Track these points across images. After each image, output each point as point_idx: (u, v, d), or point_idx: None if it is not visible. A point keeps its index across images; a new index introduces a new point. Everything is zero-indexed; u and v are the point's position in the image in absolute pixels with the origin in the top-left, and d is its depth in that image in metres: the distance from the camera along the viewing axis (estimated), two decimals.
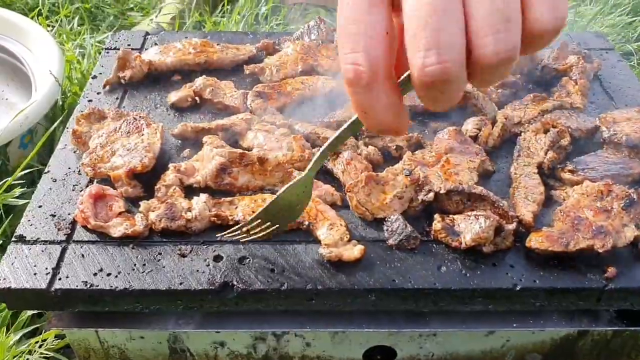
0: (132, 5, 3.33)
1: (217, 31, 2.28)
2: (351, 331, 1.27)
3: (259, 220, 1.18)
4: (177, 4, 3.07)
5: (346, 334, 1.28)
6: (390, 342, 1.31)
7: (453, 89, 0.64)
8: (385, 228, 1.27)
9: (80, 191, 1.34)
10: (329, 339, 1.29)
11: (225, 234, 1.22)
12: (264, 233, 1.19)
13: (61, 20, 2.96)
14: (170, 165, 1.35)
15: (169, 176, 1.32)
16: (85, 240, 1.25)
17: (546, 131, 1.42)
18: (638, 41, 3.01)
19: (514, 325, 1.25)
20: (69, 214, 1.31)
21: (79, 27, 3.00)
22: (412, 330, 1.28)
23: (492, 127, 1.45)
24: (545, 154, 1.37)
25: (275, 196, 1.15)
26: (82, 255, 1.22)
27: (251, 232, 1.19)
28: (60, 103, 2.33)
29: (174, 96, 1.61)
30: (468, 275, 1.19)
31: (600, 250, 1.18)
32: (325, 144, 0.97)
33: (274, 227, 1.18)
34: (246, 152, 1.35)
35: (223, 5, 3.04)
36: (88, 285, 1.16)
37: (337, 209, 1.32)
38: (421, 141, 1.46)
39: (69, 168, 1.43)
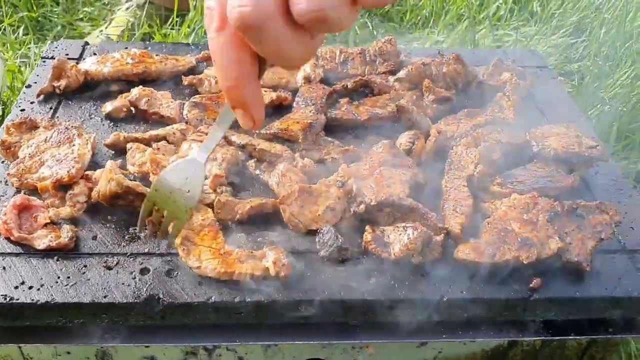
0: (81, 16, 3.27)
1: (159, 42, 2.26)
2: (283, 344, 1.26)
3: (155, 211, 1.17)
4: (128, 16, 3.04)
5: (279, 347, 1.27)
6: (324, 355, 1.31)
7: (265, 33, 0.66)
8: (317, 240, 1.27)
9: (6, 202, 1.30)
10: (261, 353, 1.28)
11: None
12: (166, 228, 1.18)
13: (4, 29, 2.89)
14: None
15: (79, 185, 1.29)
16: (8, 252, 1.22)
17: (477, 145, 1.45)
18: (579, 61, 3.12)
19: (444, 336, 1.26)
20: None
21: (24, 37, 2.94)
22: (344, 342, 1.27)
23: (425, 141, 1.47)
24: (475, 167, 1.39)
25: (157, 177, 1.14)
26: (3, 268, 1.18)
27: (151, 227, 1.20)
28: (0, 113, 2.27)
29: (109, 106, 1.59)
30: (397, 286, 1.20)
31: (525, 262, 1.21)
32: (215, 126, 0.97)
33: (171, 221, 1.16)
34: (140, 187, 1.28)
35: (173, 19, 3.02)
36: (7, 299, 1.13)
37: (272, 221, 1.32)
38: (357, 154, 1.47)
39: None
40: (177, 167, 1.12)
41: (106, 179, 1.25)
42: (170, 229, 1.18)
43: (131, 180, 1.30)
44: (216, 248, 1.21)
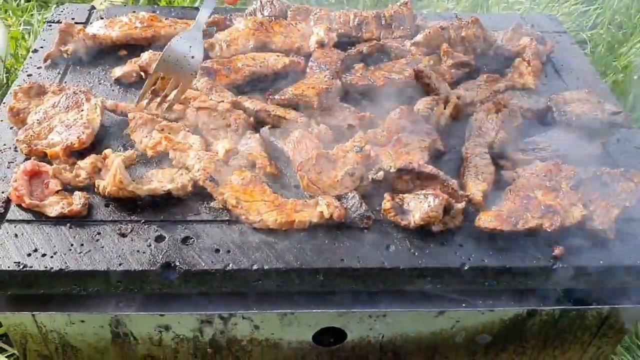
0: None
1: (167, 6, 2.20)
2: (300, 312, 1.24)
3: (161, 77, 1.35)
4: None
5: (295, 315, 1.25)
6: (339, 324, 1.29)
7: None
8: None
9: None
10: (277, 321, 1.26)
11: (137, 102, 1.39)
12: (173, 94, 1.35)
13: None
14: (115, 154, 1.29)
15: (87, 162, 1.26)
16: (20, 219, 1.19)
17: (498, 111, 1.41)
18: (592, 29, 3.05)
19: (463, 305, 1.24)
20: (2, 192, 1.24)
21: (26, 3, 2.87)
22: (361, 311, 1.26)
23: (445, 107, 1.43)
24: (496, 133, 1.36)
25: (166, 46, 1.35)
26: (16, 235, 1.16)
27: (160, 92, 1.36)
28: (5, 81, 2.23)
29: (118, 71, 1.55)
30: (416, 254, 1.17)
31: (548, 229, 1.18)
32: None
33: (178, 87, 1.35)
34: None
35: None
36: (21, 266, 1.10)
37: (289, 189, 1.30)
38: (373, 120, 1.43)
39: (5, 145, 1.36)
40: (181, 38, 1.36)
41: (112, 179, 1.21)
42: (172, 95, 1.36)
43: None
44: (270, 200, 1.22)
